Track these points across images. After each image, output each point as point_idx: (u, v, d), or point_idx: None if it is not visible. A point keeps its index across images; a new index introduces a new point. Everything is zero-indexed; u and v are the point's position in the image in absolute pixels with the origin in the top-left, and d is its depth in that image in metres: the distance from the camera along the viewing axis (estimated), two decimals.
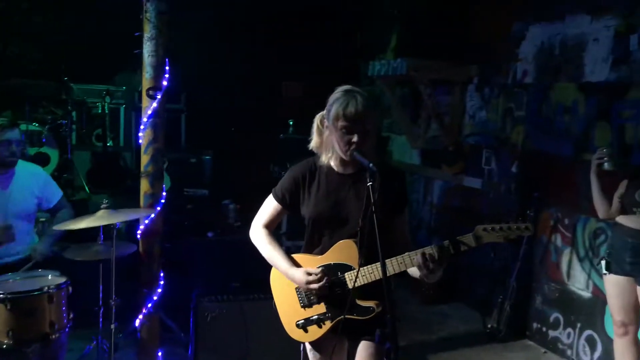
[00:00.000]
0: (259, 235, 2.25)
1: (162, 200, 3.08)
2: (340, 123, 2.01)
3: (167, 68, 3.06)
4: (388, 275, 1.99)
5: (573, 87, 3.84)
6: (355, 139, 2.01)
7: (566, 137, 3.89)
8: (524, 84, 4.28)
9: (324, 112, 2.11)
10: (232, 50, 6.00)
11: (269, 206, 2.24)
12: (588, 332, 3.75)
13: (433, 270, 1.93)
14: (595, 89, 3.68)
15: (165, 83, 3.05)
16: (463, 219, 4.87)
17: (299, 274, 2.11)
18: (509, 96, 4.43)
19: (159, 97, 3.04)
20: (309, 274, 2.09)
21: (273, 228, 2.27)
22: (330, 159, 2.14)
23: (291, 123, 5.16)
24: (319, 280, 2.07)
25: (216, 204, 4.90)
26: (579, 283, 3.85)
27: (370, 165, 1.91)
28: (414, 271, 2.01)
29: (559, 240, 3.99)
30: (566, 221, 3.93)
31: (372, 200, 1.85)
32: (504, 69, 4.45)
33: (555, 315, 4.01)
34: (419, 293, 4.86)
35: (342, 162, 2.12)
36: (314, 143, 2.16)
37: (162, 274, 3.09)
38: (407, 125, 5.49)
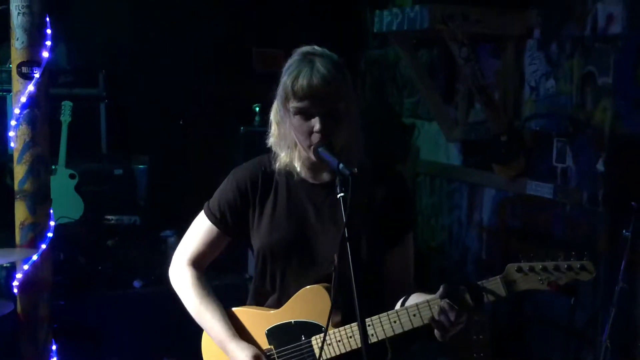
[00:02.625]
0: (181, 278, 2.26)
1: (50, 234, 3.14)
2: (292, 104, 2.03)
3: (48, 31, 3.08)
4: (373, 341, 1.98)
5: None
6: (317, 126, 2.00)
7: None
8: (610, 35, 4.24)
9: None
10: (176, 6, 6.00)
11: (200, 230, 2.26)
12: None
13: (447, 329, 1.94)
14: None
15: (46, 55, 3.07)
16: (528, 247, 4.78)
17: (244, 358, 2.09)
18: (589, 55, 4.39)
19: (37, 76, 3.05)
20: None
21: (205, 265, 2.29)
22: (293, 160, 2.14)
23: (257, 110, 5.17)
24: None
25: (151, 237, 4.96)
26: None
27: (341, 166, 1.89)
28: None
29: None
30: None
31: (344, 220, 1.82)
32: (578, 14, 4.42)
33: None
34: (465, 356, 4.77)
35: (311, 164, 2.13)
36: (273, 137, 2.17)
37: (54, 347, 3.12)
38: (439, 107, 5.49)
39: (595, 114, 4.35)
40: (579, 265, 1.91)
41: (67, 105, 5.12)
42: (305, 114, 2.01)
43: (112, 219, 5.19)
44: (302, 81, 1.99)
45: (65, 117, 5.10)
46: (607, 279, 4.01)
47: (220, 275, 4.27)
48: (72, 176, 5.12)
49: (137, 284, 4.37)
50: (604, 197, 4.30)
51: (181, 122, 6.12)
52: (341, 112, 2.02)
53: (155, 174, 5.71)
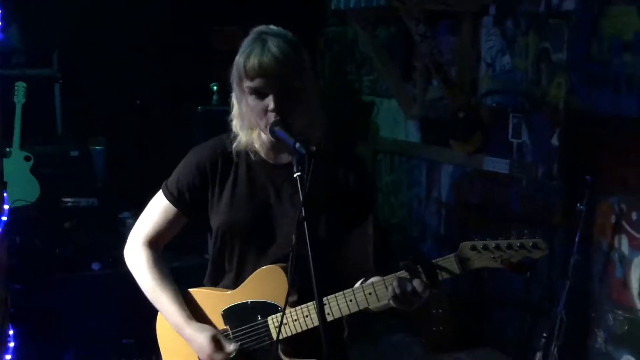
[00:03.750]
0: (136, 258, 2.23)
1: (4, 218, 3.13)
2: (246, 84, 2.02)
3: None
4: (330, 320, 1.99)
5: (634, 12, 3.83)
6: (271, 105, 2.00)
7: (628, 89, 3.89)
8: (564, 11, 4.27)
9: None
10: None
11: (157, 209, 2.23)
12: None
13: (410, 299, 1.97)
14: None
15: None
16: (486, 221, 4.89)
17: (202, 341, 2.09)
18: (543, 32, 4.43)
19: None
20: (218, 344, 2.08)
21: (162, 246, 2.26)
22: (253, 141, 2.14)
23: (215, 89, 5.15)
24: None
25: (109, 219, 4.91)
26: None
27: (297, 145, 1.89)
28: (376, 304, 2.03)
29: (625, 246, 3.99)
30: (634, 215, 3.92)
31: (302, 199, 1.82)
32: None
33: (626, 357, 4.02)
34: (426, 334, 4.85)
35: (271, 144, 2.12)
36: (234, 118, 2.16)
37: (11, 332, 3.12)
38: (397, 84, 5.51)
39: (550, 90, 4.40)
40: (531, 244, 1.93)
41: (20, 87, 5.03)
42: (259, 94, 2.00)
43: (69, 202, 5.14)
44: (254, 60, 1.98)
45: (19, 99, 5.00)
46: (562, 252, 4.09)
47: (181, 257, 4.27)
48: (27, 158, 5.04)
49: (95, 266, 4.34)
50: (558, 172, 4.36)
51: (138, 102, 6.04)
52: (297, 90, 2.01)
53: (113, 155, 5.66)
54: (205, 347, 2.08)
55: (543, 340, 4.14)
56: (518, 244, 1.93)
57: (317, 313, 1.83)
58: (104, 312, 3.90)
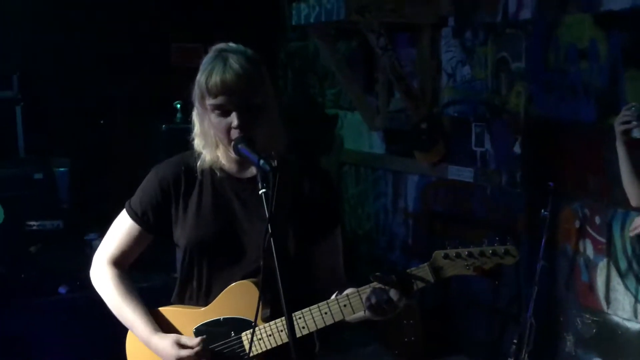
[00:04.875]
0: (102, 277, 2.22)
1: None
2: (209, 102, 2.02)
3: None
4: (305, 333, 2.00)
5: (588, 20, 3.89)
6: (235, 122, 2.00)
7: (585, 95, 3.94)
8: (520, 21, 4.33)
9: None
10: (90, 3, 5.88)
11: (121, 228, 2.22)
12: None
13: (384, 310, 1.97)
14: (618, 20, 3.72)
15: None
16: (452, 229, 4.92)
17: (166, 346, 2.08)
18: (501, 41, 4.48)
19: None
20: (182, 345, 2.06)
21: (128, 265, 2.25)
22: (217, 157, 2.13)
23: (178, 107, 5.12)
24: (197, 357, 2.05)
25: (75, 241, 4.85)
26: (622, 310, 3.88)
27: (261, 162, 1.89)
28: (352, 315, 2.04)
29: (589, 250, 4.04)
30: (597, 220, 3.97)
31: (267, 216, 1.82)
32: (490, 1, 4.50)
33: None
34: (398, 345, 4.86)
35: (235, 159, 2.12)
36: (196, 136, 2.15)
37: None
38: (360, 97, 5.53)
39: (510, 99, 4.45)
40: (503, 250, 1.95)
41: None
42: (222, 110, 2.00)
43: (33, 225, 5.02)
44: (216, 78, 1.97)
45: None
46: (528, 258, 4.11)
47: (147, 276, 4.22)
48: None
49: (62, 289, 4.27)
50: (521, 179, 4.41)
51: (102, 122, 5.98)
52: (259, 106, 2.01)
53: (77, 176, 5.54)
54: (171, 351, 2.06)
55: (514, 346, 4.15)
56: (490, 251, 1.95)
57: (286, 328, 1.82)
58: (73, 337, 3.84)
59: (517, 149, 4.42)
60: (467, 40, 4.74)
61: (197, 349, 2.04)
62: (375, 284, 1.97)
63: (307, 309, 2.01)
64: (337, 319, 2.01)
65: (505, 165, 4.52)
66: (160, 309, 2.18)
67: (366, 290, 1.97)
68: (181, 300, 2.19)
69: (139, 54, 6.05)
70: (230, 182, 2.14)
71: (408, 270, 1.98)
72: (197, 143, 2.13)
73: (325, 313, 2.00)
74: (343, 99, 5.94)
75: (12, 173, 5.24)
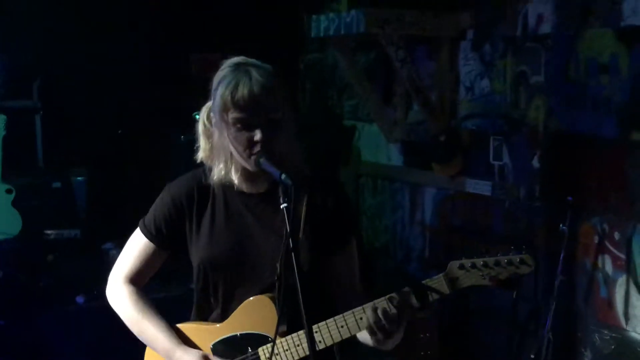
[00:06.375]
0: (119, 296, 2.23)
1: None
2: (232, 115, 2.02)
3: None
4: (322, 347, 1.99)
5: (610, 34, 3.88)
6: (258, 136, 2.00)
7: (606, 109, 3.92)
8: (540, 35, 4.31)
9: (210, 102, 2.13)
10: (112, 13, 5.92)
11: (136, 247, 2.24)
12: None
13: (389, 333, 1.95)
14: None
15: None
16: (470, 243, 4.87)
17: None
18: (520, 55, 4.47)
19: None
20: None
21: (144, 283, 2.27)
22: (229, 173, 2.13)
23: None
24: None
25: (93, 250, 4.84)
26: None
27: (283, 176, 1.90)
28: (364, 337, 2.03)
29: (609, 265, 4.00)
30: (617, 235, 3.93)
31: (288, 231, 1.84)
32: (509, 15, 4.49)
33: None
34: (414, 359, 4.79)
35: (248, 175, 2.12)
36: (202, 151, 2.19)
37: None
38: (378, 109, 5.51)
39: (529, 112, 4.42)
40: (518, 259, 1.95)
41: (0, 119, 5.00)
42: (243, 124, 2.00)
43: (51, 234, 5.08)
44: (243, 91, 1.98)
45: None
46: (547, 273, 4.08)
47: (165, 287, 4.23)
48: (8, 191, 4.99)
49: (79, 299, 4.28)
50: (540, 193, 4.37)
51: (120, 132, 6.01)
52: (279, 121, 2.03)
53: (95, 185, 5.61)
54: None
55: None
56: (506, 261, 1.95)
57: (307, 341, 1.83)
58: (90, 346, 3.85)
59: (535, 162, 4.40)
60: (486, 53, 4.73)
61: None
62: (391, 295, 1.96)
63: (323, 322, 2.00)
64: (353, 332, 2.00)
65: (523, 179, 4.49)
66: (178, 325, 2.19)
67: (382, 301, 1.97)
68: (200, 318, 2.19)
69: (158, 63, 6.08)
70: (243, 198, 2.15)
71: (423, 282, 1.98)
72: (206, 157, 2.16)
73: (342, 326, 2.00)
74: (361, 110, 5.93)
75: (31, 182, 5.31)
